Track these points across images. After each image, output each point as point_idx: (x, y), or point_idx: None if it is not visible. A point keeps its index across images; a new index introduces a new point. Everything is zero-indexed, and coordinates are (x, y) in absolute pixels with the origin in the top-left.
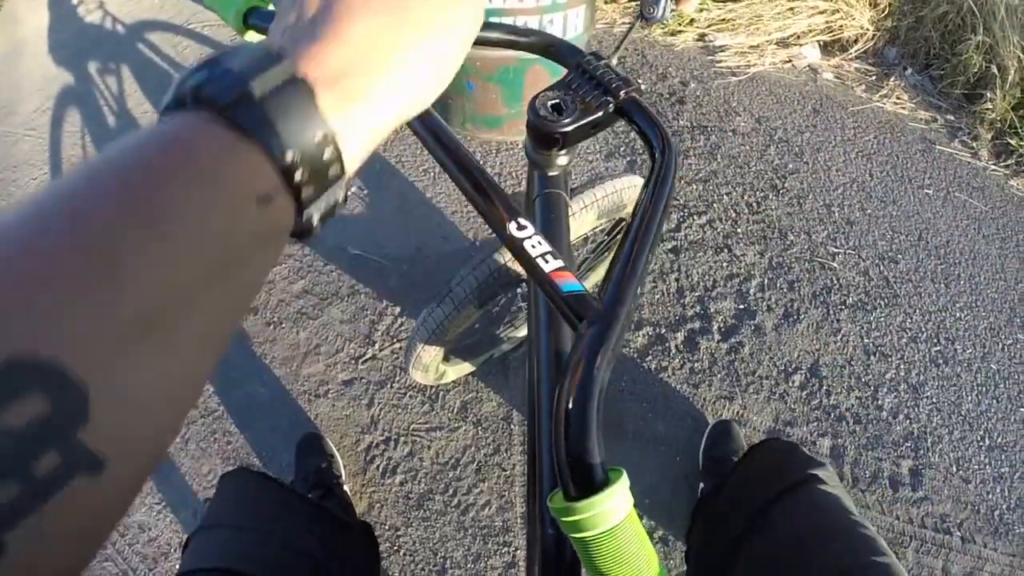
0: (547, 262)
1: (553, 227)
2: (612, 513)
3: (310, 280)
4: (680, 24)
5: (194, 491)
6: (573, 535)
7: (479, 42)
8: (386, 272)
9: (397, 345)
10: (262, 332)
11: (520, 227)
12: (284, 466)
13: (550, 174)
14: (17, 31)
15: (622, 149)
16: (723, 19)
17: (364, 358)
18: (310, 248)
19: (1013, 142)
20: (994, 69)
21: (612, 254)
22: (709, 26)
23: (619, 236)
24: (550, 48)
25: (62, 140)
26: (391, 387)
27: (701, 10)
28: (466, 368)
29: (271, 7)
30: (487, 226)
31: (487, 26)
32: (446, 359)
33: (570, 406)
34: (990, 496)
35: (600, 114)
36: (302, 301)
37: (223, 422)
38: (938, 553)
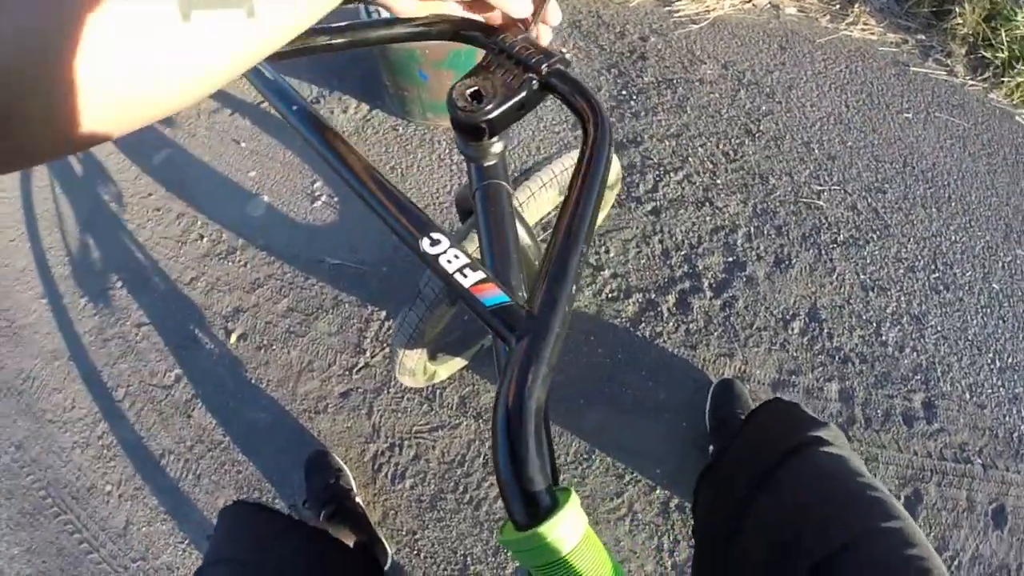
0: (465, 276)
1: (494, 221)
2: (564, 540)
3: (293, 298)
4: None
5: (214, 526)
6: (529, 566)
7: (385, 40)
8: (366, 278)
9: (388, 349)
10: (254, 357)
11: (433, 242)
12: (296, 487)
13: (487, 164)
14: None
15: None
16: None
17: (357, 368)
18: (289, 265)
19: (988, 54)
20: None
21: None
22: None
23: None
24: (462, 32)
25: (33, 196)
26: (388, 393)
27: None
28: (457, 363)
29: None
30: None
31: (389, 22)
32: (433, 358)
33: (506, 430)
34: (1007, 419)
35: (524, 93)
36: (288, 320)
37: (230, 453)
38: (960, 484)
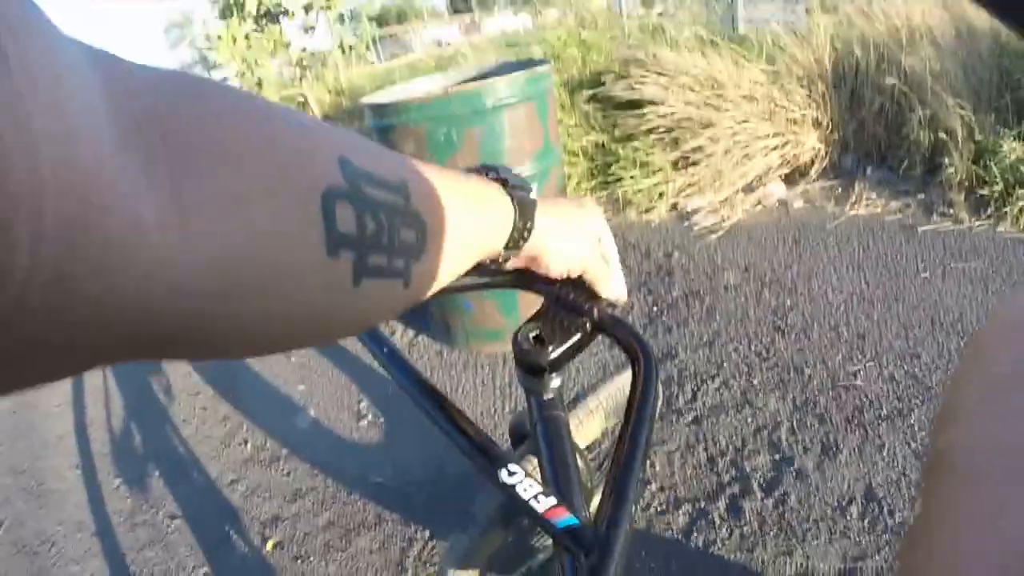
0: (539, 502)
1: (556, 452)
2: None
3: (334, 511)
4: (651, 200)
5: None
6: None
7: (460, 289)
8: (411, 496)
9: (432, 569)
10: (289, 567)
11: (510, 473)
12: None
13: (546, 398)
14: None
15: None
16: (688, 184)
17: None
18: (332, 479)
19: (984, 192)
20: (943, 135)
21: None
22: (678, 194)
23: None
24: (523, 280)
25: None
26: None
27: (667, 181)
28: None
29: None
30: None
31: (465, 274)
32: None
33: None
34: None
35: (579, 336)
36: (328, 533)
37: None
38: None
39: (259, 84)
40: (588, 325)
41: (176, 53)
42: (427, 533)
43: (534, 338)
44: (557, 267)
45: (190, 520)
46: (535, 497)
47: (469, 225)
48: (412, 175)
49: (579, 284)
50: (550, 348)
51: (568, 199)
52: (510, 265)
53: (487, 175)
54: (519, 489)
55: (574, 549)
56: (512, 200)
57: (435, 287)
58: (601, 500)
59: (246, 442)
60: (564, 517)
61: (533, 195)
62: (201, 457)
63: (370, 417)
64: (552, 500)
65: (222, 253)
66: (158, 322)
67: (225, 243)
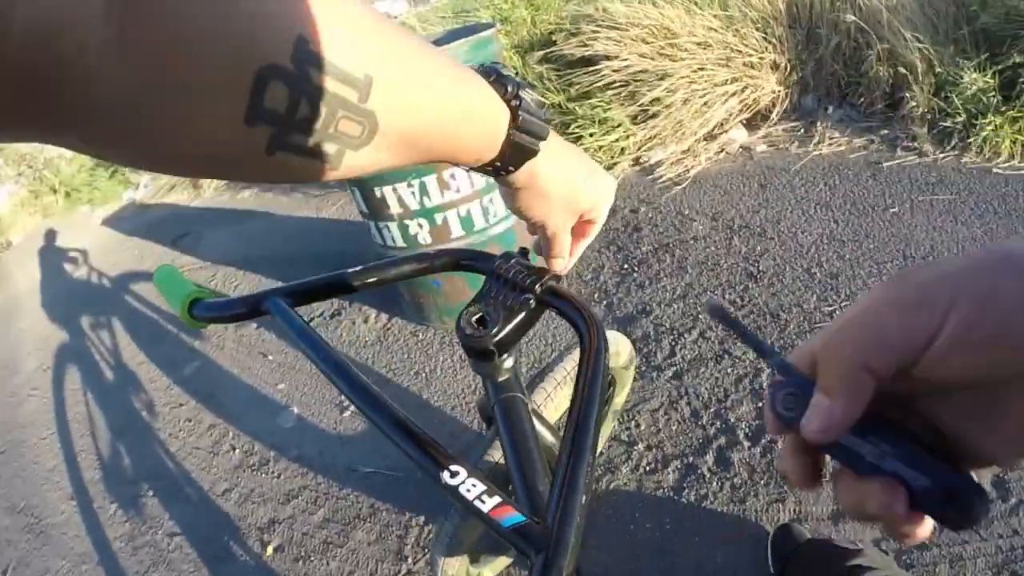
0: (483, 502)
1: (515, 435)
2: None
3: (329, 508)
4: (612, 156)
5: None
6: None
7: (402, 277)
8: (401, 484)
9: (430, 556)
10: (292, 569)
11: (452, 474)
12: None
13: (500, 380)
14: (10, 288)
15: (596, 295)
16: (649, 137)
17: (400, 575)
18: (323, 475)
19: (947, 123)
20: (902, 69)
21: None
22: (639, 148)
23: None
24: (462, 262)
25: (65, 398)
26: None
27: (628, 136)
28: (502, 562)
29: (212, 299)
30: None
31: (398, 262)
32: (475, 562)
33: None
34: None
35: (523, 314)
36: (325, 531)
37: None
38: None
39: None
40: (532, 302)
41: None
42: (422, 519)
43: (476, 321)
44: (544, 212)
45: (189, 536)
46: (479, 497)
47: (443, 130)
48: (385, 69)
49: (519, 258)
50: (495, 330)
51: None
52: (510, 182)
53: (492, 79)
54: (462, 491)
55: (524, 548)
56: (513, 113)
57: (372, 173)
58: (550, 490)
59: (234, 448)
60: (510, 516)
61: (542, 120)
62: (192, 470)
63: (353, 408)
64: (496, 499)
65: (144, 79)
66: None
67: (149, 77)
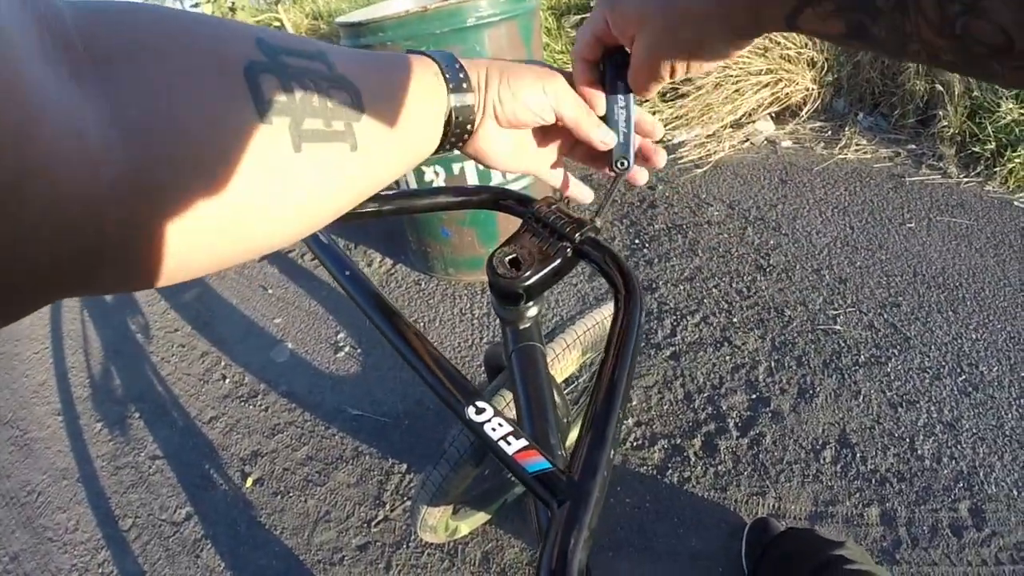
0: (509, 444)
1: (531, 385)
2: None
3: (313, 446)
4: None
5: None
6: None
7: (431, 208)
8: (387, 430)
9: (409, 503)
10: (269, 502)
11: (478, 411)
12: None
13: (522, 327)
14: None
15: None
16: (676, 116)
17: (376, 520)
18: (311, 413)
19: (976, 149)
20: (939, 87)
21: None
22: (665, 127)
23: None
24: (501, 202)
25: (62, 316)
26: (407, 547)
27: (655, 112)
28: (480, 518)
29: None
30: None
31: (434, 191)
32: (455, 514)
33: None
34: None
35: (559, 261)
36: (307, 468)
37: None
38: None
39: (232, 9)
40: (569, 250)
41: None
42: (404, 467)
43: (510, 262)
44: (521, 112)
45: (171, 460)
46: (504, 438)
47: (399, 82)
48: (329, 48)
49: (560, 204)
50: (527, 273)
51: None
52: (482, 129)
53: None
54: (487, 428)
55: (546, 497)
56: (432, 59)
57: (388, 152)
58: (577, 442)
59: (224, 378)
60: (536, 461)
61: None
62: (180, 395)
63: (347, 349)
64: (523, 442)
65: (157, 135)
66: (96, 228)
67: (158, 126)
